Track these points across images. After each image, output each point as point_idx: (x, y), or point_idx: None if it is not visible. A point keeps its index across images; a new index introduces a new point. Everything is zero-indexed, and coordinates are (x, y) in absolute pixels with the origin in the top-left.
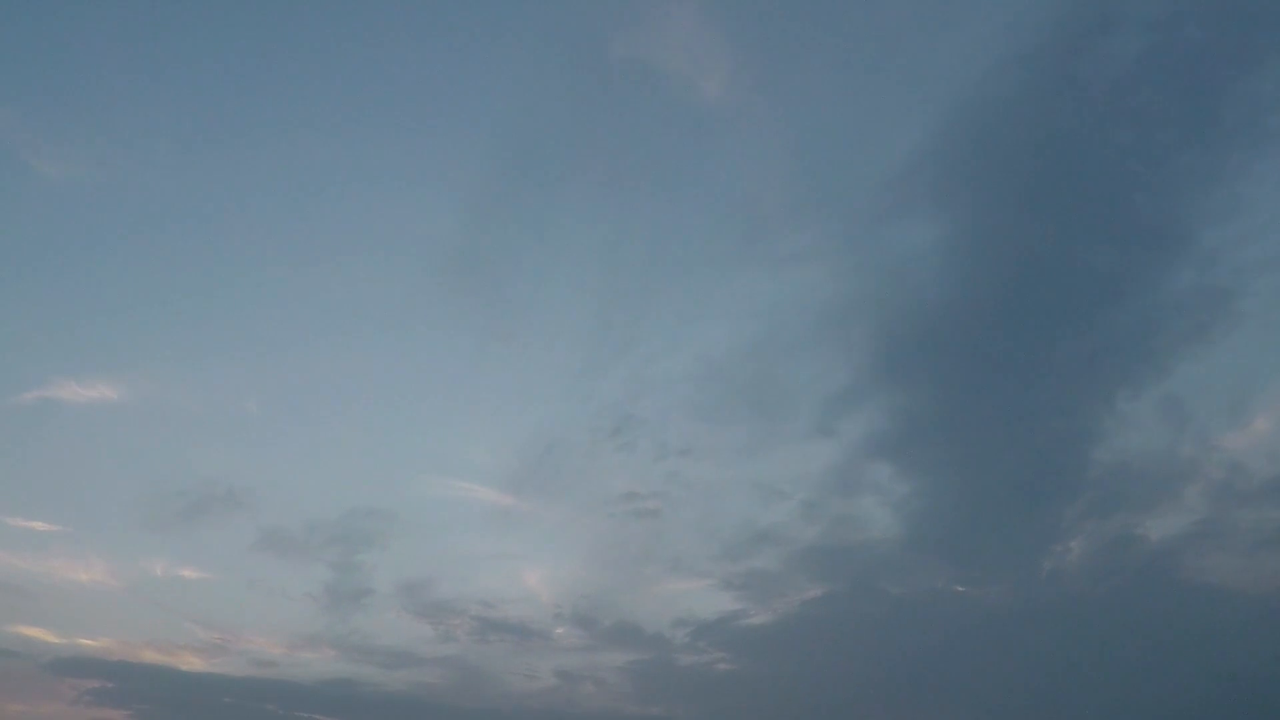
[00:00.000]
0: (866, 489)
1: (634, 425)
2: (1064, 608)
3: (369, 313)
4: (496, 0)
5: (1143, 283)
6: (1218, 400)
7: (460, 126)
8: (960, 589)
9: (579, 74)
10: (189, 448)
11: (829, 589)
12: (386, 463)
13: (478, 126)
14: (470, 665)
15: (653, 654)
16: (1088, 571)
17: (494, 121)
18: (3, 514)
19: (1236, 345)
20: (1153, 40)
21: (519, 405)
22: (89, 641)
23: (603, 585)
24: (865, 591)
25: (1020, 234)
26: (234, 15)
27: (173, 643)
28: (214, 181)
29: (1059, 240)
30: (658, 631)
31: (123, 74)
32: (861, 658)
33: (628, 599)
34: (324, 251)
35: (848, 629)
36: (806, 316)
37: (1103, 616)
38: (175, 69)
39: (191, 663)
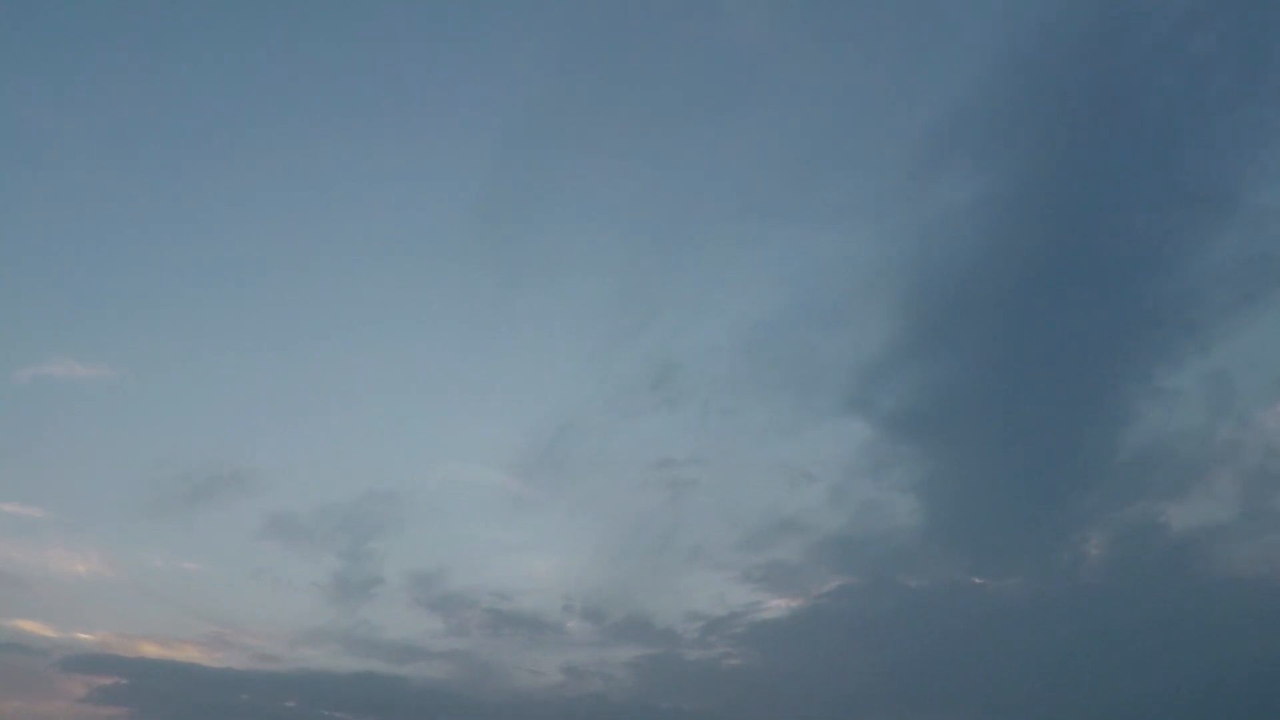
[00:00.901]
0: (894, 468)
1: (676, 375)
2: (1085, 600)
3: (383, 289)
4: None
5: (1186, 248)
6: (1260, 377)
7: (488, 67)
8: (979, 580)
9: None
10: (193, 428)
11: (848, 581)
12: (401, 444)
13: (507, 65)
14: (480, 660)
15: (666, 649)
16: (1111, 563)
17: (527, 54)
18: None
19: None
20: None
21: (536, 383)
22: (86, 636)
23: (618, 577)
24: (883, 585)
25: (1060, 194)
26: None
27: (174, 636)
28: (225, 149)
29: (1100, 202)
30: (671, 626)
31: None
32: (880, 652)
33: (643, 593)
34: (335, 227)
35: (866, 623)
36: (841, 280)
37: (1125, 610)
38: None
39: (193, 656)
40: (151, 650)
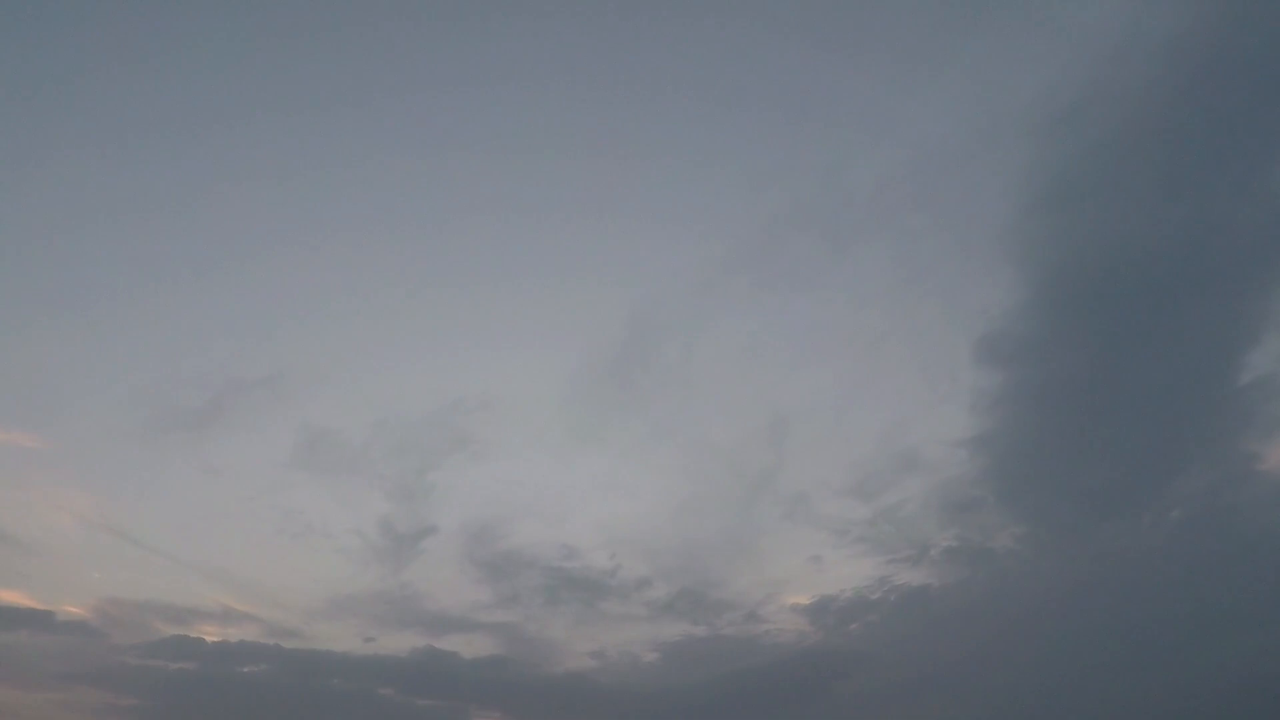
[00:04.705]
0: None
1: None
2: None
3: (463, 143)
4: None
5: None
6: None
7: None
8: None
9: None
10: (216, 322)
11: (950, 543)
12: (481, 342)
13: None
14: (527, 635)
15: (734, 628)
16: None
17: None
18: None
19: None
20: None
21: (629, 257)
22: (75, 609)
23: (696, 535)
24: (979, 551)
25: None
26: None
27: (183, 607)
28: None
29: None
30: (736, 599)
31: None
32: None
33: (721, 559)
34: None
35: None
36: (1018, 101)
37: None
38: None
39: (207, 632)
40: (157, 625)
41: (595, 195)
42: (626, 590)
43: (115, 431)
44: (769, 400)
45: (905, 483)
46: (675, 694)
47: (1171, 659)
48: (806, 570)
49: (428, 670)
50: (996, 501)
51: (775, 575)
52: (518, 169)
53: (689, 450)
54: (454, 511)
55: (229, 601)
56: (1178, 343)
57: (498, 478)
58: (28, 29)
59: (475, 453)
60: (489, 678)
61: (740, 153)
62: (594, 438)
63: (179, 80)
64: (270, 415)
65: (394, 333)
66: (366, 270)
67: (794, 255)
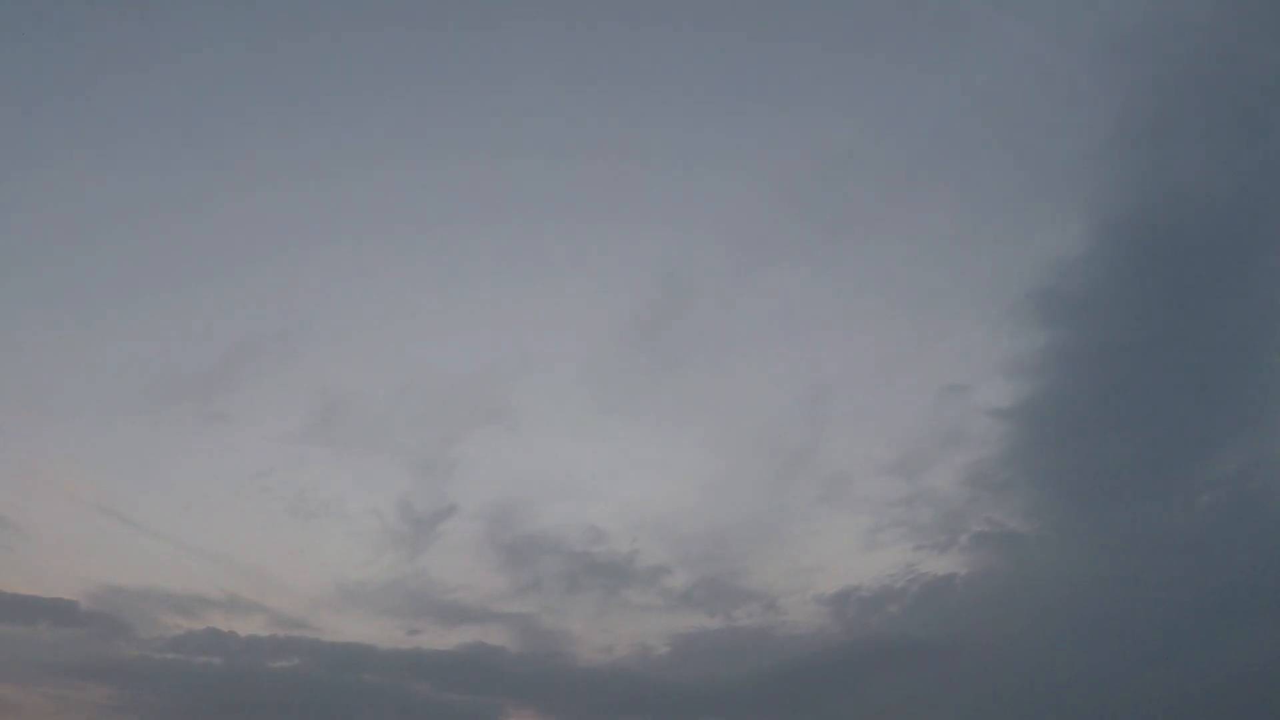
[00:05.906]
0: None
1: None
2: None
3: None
4: None
5: None
6: None
7: None
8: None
9: None
10: (226, 272)
11: (984, 529)
12: (512, 305)
13: None
14: (544, 628)
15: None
16: None
17: None
18: None
19: None
20: None
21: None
22: (71, 597)
23: (729, 523)
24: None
25: None
26: None
27: (186, 595)
28: None
29: None
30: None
31: None
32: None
33: (749, 549)
34: None
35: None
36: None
37: None
38: None
39: (211, 621)
40: (158, 615)
41: (631, 143)
42: (648, 577)
43: (112, 402)
44: (809, 366)
45: (951, 458)
46: (704, 688)
47: (1198, 649)
48: (837, 557)
49: (467, 665)
50: (1028, 482)
51: (805, 563)
52: (552, 116)
53: (720, 422)
54: (476, 489)
55: (236, 589)
56: (1233, 303)
57: (520, 452)
58: (31, 30)
59: (509, 424)
60: (525, 673)
61: (784, 97)
62: (619, 409)
63: (226, 64)
64: (282, 378)
65: (421, 289)
66: (390, 244)
67: (838, 208)
